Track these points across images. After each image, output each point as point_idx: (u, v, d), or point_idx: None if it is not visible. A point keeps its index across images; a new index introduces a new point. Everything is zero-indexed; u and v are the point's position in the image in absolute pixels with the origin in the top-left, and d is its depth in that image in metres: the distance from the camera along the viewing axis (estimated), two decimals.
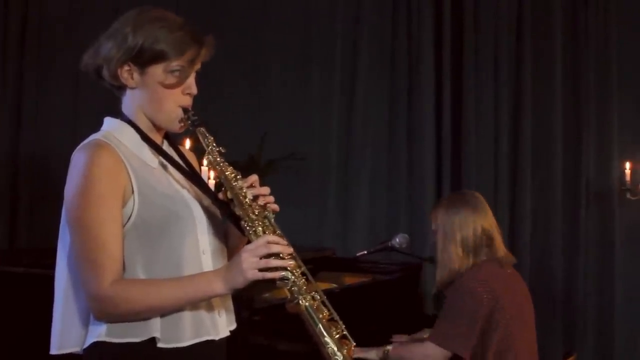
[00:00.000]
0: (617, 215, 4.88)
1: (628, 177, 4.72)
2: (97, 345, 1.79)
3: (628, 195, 4.75)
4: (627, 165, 4.73)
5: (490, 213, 3.06)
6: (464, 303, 2.87)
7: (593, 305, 4.89)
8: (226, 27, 4.70)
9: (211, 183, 3.30)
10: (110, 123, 1.91)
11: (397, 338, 3.28)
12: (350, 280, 3.68)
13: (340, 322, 1.85)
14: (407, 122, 4.96)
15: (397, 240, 3.82)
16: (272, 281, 1.79)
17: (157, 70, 1.85)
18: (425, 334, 3.23)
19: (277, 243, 1.79)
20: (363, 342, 2.92)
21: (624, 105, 4.93)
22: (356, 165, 4.89)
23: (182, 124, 1.89)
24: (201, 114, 1.90)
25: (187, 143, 3.02)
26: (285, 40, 4.90)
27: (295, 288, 1.79)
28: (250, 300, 2.59)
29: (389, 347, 2.98)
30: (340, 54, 4.93)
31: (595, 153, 4.93)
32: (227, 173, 1.88)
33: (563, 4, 4.97)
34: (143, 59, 1.84)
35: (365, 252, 3.89)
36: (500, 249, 3.03)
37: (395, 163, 4.95)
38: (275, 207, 1.88)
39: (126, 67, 1.85)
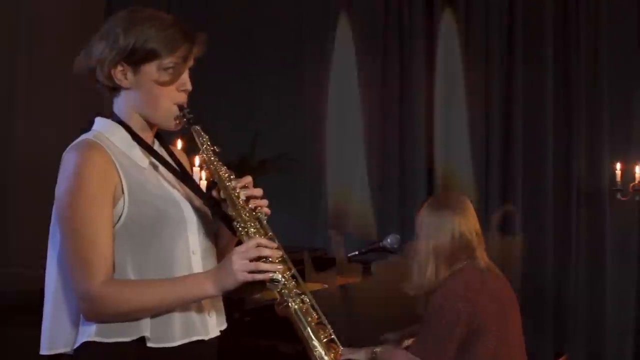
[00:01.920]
0: (608, 216, 4.89)
1: (619, 178, 4.71)
2: (87, 345, 1.78)
3: (619, 196, 4.73)
4: (618, 165, 4.72)
5: (472, 216, 2.97)
6: (442, 317, 2.86)
7: (584, 306, 4.90)
8: (218, 26, 4.70)
9: (202, 184, 3.30)
10: (100, 123, 1.91)
11: (387, 336, 3.28)
12: (341, 280, 3.68)
13: (329, 326, 1.84)
14: (399, 123, 4.97)
15: (389, 240, 3.81)
16: (263, 283, 1.79)
17: (150, 69, 1.85)
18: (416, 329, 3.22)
19: (267, 246, 1.79)
20: (354, 341, 2.93)
21: (614, 105, 4.94)
22: (348, 166, 4.90)
23: (178, 122, 1.89)
24: (195, 113, 1.90)
25: (179, 143, 3.01)
26: (277, 41, 4.90)
27: (285, 291, 1.80)
28: (240, 301, 2.59)
29: (378, 349, 2.98)
30: (333, 55, 4.93)
31: (586, 153, 4.94)
32: (220, 173, 1.88)
33: (554, 4, 4.98)
34: (136, 58, 1.84)
35: (357, 252, 3.89)
36: (480, 256, 2.95)
37: (387, 163, 4.95)
38: (267, 210, 1.88)
39: (120, 68, 1.85)
